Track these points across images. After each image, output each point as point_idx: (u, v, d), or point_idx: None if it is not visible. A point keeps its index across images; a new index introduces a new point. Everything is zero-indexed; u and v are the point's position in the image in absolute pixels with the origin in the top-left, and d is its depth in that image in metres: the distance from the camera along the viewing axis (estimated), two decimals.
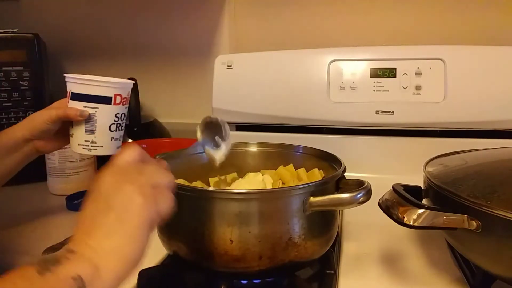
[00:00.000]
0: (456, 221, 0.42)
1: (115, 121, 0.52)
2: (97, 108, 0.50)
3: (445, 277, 0.49)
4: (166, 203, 0.38)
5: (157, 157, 0.57)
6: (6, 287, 0.28)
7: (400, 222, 0.43)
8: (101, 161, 0.88)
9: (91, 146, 0.52)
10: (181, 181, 0.55)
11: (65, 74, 0.52)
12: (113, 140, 0.53)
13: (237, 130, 0.91)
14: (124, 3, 1.10)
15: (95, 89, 0.50)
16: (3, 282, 0.28)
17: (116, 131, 0.53)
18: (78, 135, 0.52)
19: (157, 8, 1.08)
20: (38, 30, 0.91)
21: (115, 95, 0.51)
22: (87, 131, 0.51)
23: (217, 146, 0.57)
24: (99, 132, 0.51)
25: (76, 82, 0.51)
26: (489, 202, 0.40)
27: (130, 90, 0.54)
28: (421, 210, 0.42)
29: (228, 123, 0.90)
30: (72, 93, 0.51)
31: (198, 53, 1.07)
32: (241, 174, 0.63)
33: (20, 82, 0.87)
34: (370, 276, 0.50)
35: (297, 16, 0.99)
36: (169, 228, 0.49)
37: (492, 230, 0.40)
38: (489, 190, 0.43)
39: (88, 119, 0.51)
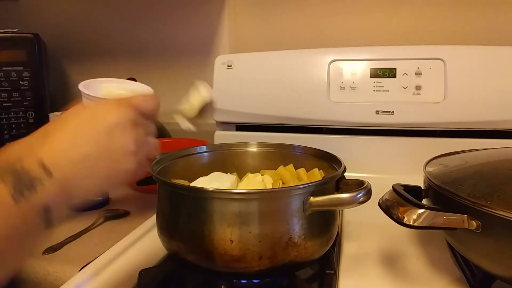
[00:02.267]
0: (456, 221, 0.42)
1: None
2: None
3: (445, 277, 0.49)
4: (143, 171, 0.40)
5: (157, 157, 0.57)
6: None
7: (400, 222, 0.43)
8: None
9: None
10: (181, 181, 0.56)
11: (80, 87, 0.48)
12: None
13: (237, 130, 0.91)
14: (124, 3, 1.10)
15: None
16: None
17: None
18: None
19: (157, 8, 1.08)
20: (38, 30, 0.91)
21: None
22: None
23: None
24: None
25: (91, 99, 0.47)
26: (489, 202, 0.40)
27: None
28: (421, 210, 0.42)
29: (228, 123, 0.91)
30: None
31: (198, 53, 1.07)
32: (241, 174, 0.63)
33: (20, 82, 0.87)
34: (370, 276, 0.50)
35: (297, 16, 0.99)
36: (169, 228, 0.49)
37: (492, 230, 0.40)
38: (489, 190, 0.43)
39: None
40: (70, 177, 0.34)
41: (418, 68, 0.79)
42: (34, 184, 0.31)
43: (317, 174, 0.57)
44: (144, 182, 0.63)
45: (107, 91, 0.49)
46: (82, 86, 0.48)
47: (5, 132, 0.86)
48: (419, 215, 0.42)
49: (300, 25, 0.99)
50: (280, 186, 0.57)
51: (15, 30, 0.89)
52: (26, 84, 0.87)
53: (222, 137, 0.91)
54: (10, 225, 0.30)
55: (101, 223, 0.67)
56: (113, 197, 0.79)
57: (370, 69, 0.81)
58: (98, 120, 0.37)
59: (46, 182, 0.32)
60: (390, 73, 0.80)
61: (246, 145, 0.65)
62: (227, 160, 0.64)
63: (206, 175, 0.60)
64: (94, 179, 0.36)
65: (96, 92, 0.47)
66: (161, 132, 1.04)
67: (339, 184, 0.50)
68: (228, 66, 0.89)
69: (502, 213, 0.39)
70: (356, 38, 0.96)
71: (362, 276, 0.50)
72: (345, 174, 0.51)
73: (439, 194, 0.47)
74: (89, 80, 0.50)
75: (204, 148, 0.64)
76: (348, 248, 0.56)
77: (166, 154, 0.58)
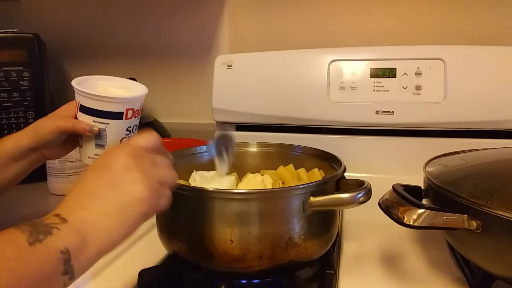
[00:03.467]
0: (456, 221, 0.42)
1: (126, 134, 0.49)
2: (108, 123, 0.47)
3: (445, 277, 0.49)
4: (165, 201, 0.39)
5: None
6: None
7: (400, 222, 0.43)
8: None
9: None
10: (181, 181, 0.56)
11: (73, 83, 0.48)
12: None
13: (237, 130, 0.91)
14: (124, 3, 1.10)
15: (105, 105, 0.47)
16: None
17: None
18: (88, 148, 0.49)
19: (157, 8, 1.08)
20: (38, 30, 0.91)
21: (127, 109, 0.48)
22: (97, 145, 0.49)
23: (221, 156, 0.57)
24: (110, 147, 0.48)
25: (85, 96, 0.47)
26: (489, 202, 0.40)
27: (143, 100, 0.50)
28: (421, 210, 0.42)
29: (228, 123, 0.91)
30: (81, 105, 0.48)
31: (198, 53, 1.07)
32: (241, 174, 0.63)
33: (20, 82, 0.87)
34: (370, 276, 0.50)
35: (297, 16, 0.99)
36: (169, 228, 0.49)
37: (492, 230, 0.40)
38: (489, 190, 0.43)
39: (98, 134, 0.48)
40: (84, 217, 0.33)
41: (418, 68, 0.79)
42: (49, 229, 0.31)
43: (317, 174, 0.57)
44: None
45: (102, 89, 0.49)
46: (76, 83, 0.48)
47: (5, 132, 0.86)
48: (419, 215, 0.42)
49: (300, 25, 0.99)
50: (280, 186, 0.57)
51: (15, 30, 0.89)
52: (26, 84, 0.87)
53: None
54: (25, 265, 0.29)
55: None
56: None
57: (370, 69, 0.81)
58: (103, 167, 0.37)
59: (61, 227, 0.31)
60: (390, 73, 0.80)
61: (246, 145, 0.65)
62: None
63: None
64: (109, 215, 0.35)
65: (91, 89, 0.47)
66: (161, 132, 1.04)
67: (339, 184, 0.50)
68: (228, 66, 0.89)
69: (502, 213, 0.39)
70: (356, 38, 0.96)
71: (362, 276, 0.50)
72: (345, 174, 0.51)
73: (439, 194, 0.47)
74: (83, 77, 0.49)
75: (204, 148, 0.64)
76: (348, 248, 0.56)
77: None
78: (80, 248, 0.32)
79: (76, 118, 0.50)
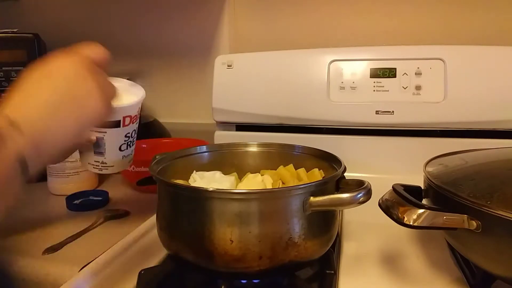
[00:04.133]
0: (456, 221, 0.42)
1: (125, 140, 0.49)
2: (105, 132, 0.48)
3: (445, 277, 0.49)
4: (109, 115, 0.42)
5: (157, 157, 0.57)
6: None
7: (400, 222, 0.43)
8: None
9: (102, 166, 0.50)
10: (181, 181, 0.56)
11: None
12: (124, 158, 0.50)
13: (237, 130, 0.91)
14: (124, 3, 1.10)
15: None
16: None
17: (126, 149, 0.50)
18: (87, 155, 0.49)
19: (157, 8, 1.08)
20: (38, 30, 0.91)
21: (124, 117, 0.48)
22: (96, 153, 0.49)
23: None
24: (109, 154, 0.49)
25: None
26: (489, 202, 0.40)
27: (140, 105, 0.50)
28: (421, 210, 0.42)
29: (228, 123, 0.91)
30: None
31: (198, 53, 1.07)
32: (241, 174, 0.63)
33: None
34: (370, 276, 0.50)
35: (297, 16, 0.99)
36: (169, 228, 0.49)
37: (492, 230, 0.40)
38: (489, 190, 0.43)
39: (96, 143, 0.48)
40: (40, 129, 0.35)
41: (418, 68, 0.79)
42: (4, 139, 0.32)
43: (317, 174, 0.57)
44: (144, 182, 0.63)
45: None
46: None
47: None
48: (419, 215, 0.42)
49: (300, 25, 0.99)
50: (280, 186, 0.57)
51: (15, 30, 0.89)
52: None
53: (222, 137, 0.91)
54: None
55: (101, 223, 0.67)
56: (113, 197, 0.79)
57: (370, 69, 0.81)
58: (55, 73, 0.38)
59: (13, 133, 0.32)
60: (390, 73, 0.80)
61: (246, 145, 0.65)
62: (227, 160, 0.64)
63: None
64: (64, 127, 0.37)
65: None
66: (161, 132, 1.04)
67: (339, 184, 0.50)
68: (228, 66, 0.89)
69: (502, 213, 0.39)
70: (356, 38, 0.96)
71: (362, 276, 0.50)
72: (345, 174, 0.51)
73: (439, 194, 0.47)
74: None
75: (204, 148, 0.64)
76: (348, 248, 0.56)
77: (166, 154, 0.58)
78: (35, 155, 0.34)
79: None
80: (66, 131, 0.37)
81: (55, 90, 0.37)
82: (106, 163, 0.50)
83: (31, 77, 0.38)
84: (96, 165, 0.50)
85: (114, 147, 0.49)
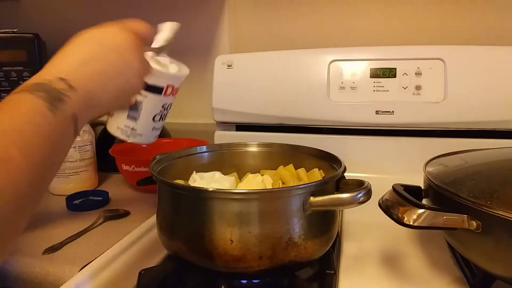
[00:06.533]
0: (456, 221, 0.42)
1: (160, 111, 0.48)
2: (146, 96, 0.46)
3: (445, 277, 0.49)
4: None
5: (157, 157, 0.57)
6: (24, 125, 0.31)
7: (400, 222, 0.43)
8: (101, 162, 0.88)
9: (131, 132, 0.48)
10: (181, 181, 0.56)
11: None
12: (154, 129, 0.49)
13: (237, 130, 0.92)
14: (124, 3, 1.10)
15: (148, 76, 0.45)
16: (20, 117, 0.31)
17: (159, 121, 0.49)
18: (119, 118, 0.47)
19: (157, 8, 1.08)
20: (38, 30, 0.91)
21: (167, 86, 0.47)
22: (129, 117, 0.47)
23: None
24: (142, 121, 0.47)
25: None
26: (489, 202, 0.40)
27: (183, 80, 0.50)
28: (421, 210, 0.42)
29: (228, 123, 0.91)
30: None
31: (198, 53, 1.07)
32: (241, 174, 0.63)
33: (20, 82, 0.87)
34: (370, 276, 0.50)
35: (297, 16, 0.99)
36: (169, 228, 0.49)
37: (492, 230, 0.40)
38: (489, 190, 0.43)
39: (134, 105, 0.46)
40: (89, 90, 0.38)
41: (418, 68, 0.79)
42: (62, 96, 0.35)
43: (317, 174, 0.57)
44: (144, 182, 0.63)
45: (152, 60, 0.48)
46: None
47: None
48: (419, 215, 0.42)
49: (300, 25, 0.99)
50: (280, 186, 0.57)
51: (15, 30, 0.89)
52: None
53: (222, 137, 0.91)
54: (48, 135, 0.33)
55: (101, 223, 0.67)
56: (113, 197, 0.79)
57: (370, 69, 0.81)
58: (107, 41, 0.41)
59: (71, 95, 0.35)
60: (390, 73, 0.80)
61: (246, 145, 0.65)
62: (227, 160, 0.64)
63: None
64: (108, 93, 0.40)
65: None
66: (161, 132, 1.04)
67: (339, 184, 0.50)
68: (228, 66, 0.89)
69: (502, 213, 0.39)
70: (356, 38, 0.96)
71: (362, 276, 0.50)
72: (345, 174, 0.51)
73: (439, 194, 0.47)
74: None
75: (204, 148, 0.64)
76: (348, 248, 0.56)
77: (166, 154, 0.58)
78: (84, 116, 0.38)
79: None
80: (109, 96, 0.40)
81: (103, 56, 0.40)
82: (136, 130, 0.48)
83: (84, 42, 0.41)
84: (125, 130, 0.48)
85: (149, 114, 0.48)
